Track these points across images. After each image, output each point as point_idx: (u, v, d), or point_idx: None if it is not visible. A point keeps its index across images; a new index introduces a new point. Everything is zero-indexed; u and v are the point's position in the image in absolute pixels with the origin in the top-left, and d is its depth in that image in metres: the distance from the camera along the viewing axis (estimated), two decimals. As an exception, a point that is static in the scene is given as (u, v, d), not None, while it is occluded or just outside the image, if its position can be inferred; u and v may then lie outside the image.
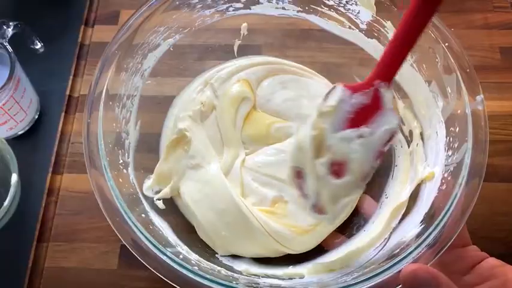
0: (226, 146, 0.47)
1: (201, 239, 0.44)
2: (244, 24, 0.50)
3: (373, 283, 0.33)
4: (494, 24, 0.59)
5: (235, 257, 0.43)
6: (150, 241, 0.34)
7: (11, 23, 0.51)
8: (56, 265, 0.47)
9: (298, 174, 0.35)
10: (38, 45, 0.55)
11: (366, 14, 0.46)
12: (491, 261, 0.36)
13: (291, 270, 0.40)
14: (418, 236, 0.35)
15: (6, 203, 0.46)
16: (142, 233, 0.35)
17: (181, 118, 0.47)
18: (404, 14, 0.32)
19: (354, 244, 0.41)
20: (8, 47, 0.50)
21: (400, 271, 0.33)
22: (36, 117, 0.55)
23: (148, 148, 0.47)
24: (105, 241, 0.48)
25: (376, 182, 0.47)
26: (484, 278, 0.35)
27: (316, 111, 0.34)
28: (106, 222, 0.36)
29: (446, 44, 0.41)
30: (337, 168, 0.34)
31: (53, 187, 0.51)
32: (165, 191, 0.44)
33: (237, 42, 0.51)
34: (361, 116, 0.34)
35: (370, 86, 0.34)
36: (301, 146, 0.34)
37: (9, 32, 0.51)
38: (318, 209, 0.36)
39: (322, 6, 0.47)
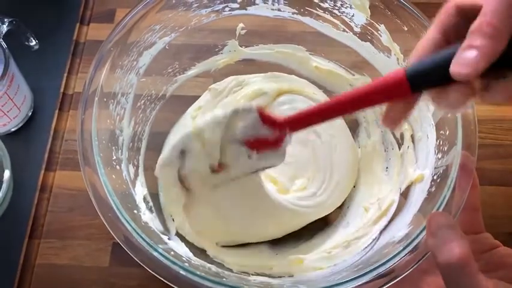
0: None
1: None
2: (240, 25, 0.50)
3: (360, 282, 0.33)
4: (486, 30, 0.60)
5: (224, 253, 0.43)
6: (141, 237, 0.34)
7: (5, 20, 0.51)
8: (48, 262, 0.47)
9: (182, 154, 0.38)
10: (33, 42, 0.55)
11: (360, 17, 0.46)
12: (504, 251, 0.36)
13: (280, 268, 0.40)
14: (407, 236, 0.36)
15: (-2, 198, 0.46)
16: (134, 229, 0.35)
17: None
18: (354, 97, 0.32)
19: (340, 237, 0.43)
20: (3, 43, 0.50)
21: (387, 272, 0.33)
22: (30, 114, 0.55)
23: (142, 145, 0.48)
24: (97, 238, 0.48)
25: (367, 183, 0.48)
26: (494, 266, 0.35)
27: (230, 119, 0.37)
28: (98, 220, 0.36)
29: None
30: (217, 166, 0.38)
31: (46, 184, 0.51)
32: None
33: (233, 43, 0.52)
34: (260, 143, 0.37)
35: (279, 129, 0.36)
36: (202, 137, 0.37)
37: (4, 28, 0.51)
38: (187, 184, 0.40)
39: (317, 8, 0.48)
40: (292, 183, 0.46)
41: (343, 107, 0.32)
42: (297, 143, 0.46)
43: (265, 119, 0.36)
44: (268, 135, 0.36)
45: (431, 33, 0.30)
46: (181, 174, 0.39)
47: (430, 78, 0.28)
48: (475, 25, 0.27)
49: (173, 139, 0.49)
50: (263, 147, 0.37)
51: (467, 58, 0.26)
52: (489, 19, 0.26)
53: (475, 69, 0.26)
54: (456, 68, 0.26)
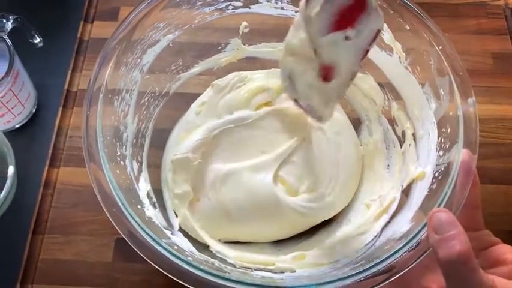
0: None
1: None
2: (244, 23, 0.50)
3: (362, 278, 0.33)
4: (487, 30, 0.61)
5: (226, 249, 0.44)
6: (146, 232, 0.35)
7: (10, 17, 0.51)
8: (51, 257, 0.48)
9: (291, 81, 0.36)
10: (37, 40, 0.56)
11: (362, 16, 0.46)
12: (503, 247, 0.36)
13: (282, 264, 0.41)
14: (408, 233, 0.36)
15: (2, 195, 0.46)
16: (138, 224, 0.35)
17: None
18: None
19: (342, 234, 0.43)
20: (8, 40, 0.50)
21: (388, 268, 0.34)
22: (34, 111, 0.56)
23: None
24: (100, 234, 0.48)
25: (369, 181, 0.48)
26: (493, 263, 0.35)
27: (302, 17, 0.33)
28: (101, 216, 0.36)
29: (440, 47, 0.42)
30: (326, 73, 0.34)
31: (50, 180, 0.52)
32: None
33: (236, 41, 0.52)
34: (346, 18, 0.32)
35: None
36: (292, 50, 0.34)
37: (9, 25, 0.51)
38: (313, 115, 0.38)
39: (319, 7, 0.48)
40: (301, 183, 0.45)
41: None
42: (301, 141, 0.46)
43: None
44: (348, 1, 0.32)
45: None
46: (301, 105, 0.37)
47: None
48: None
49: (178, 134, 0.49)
50: (353, 18, 0.32)
51: None
52: None
53: None
54: None
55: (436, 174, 0.39)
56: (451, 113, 0.40)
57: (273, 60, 0.52)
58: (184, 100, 0.51)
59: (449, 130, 0.40)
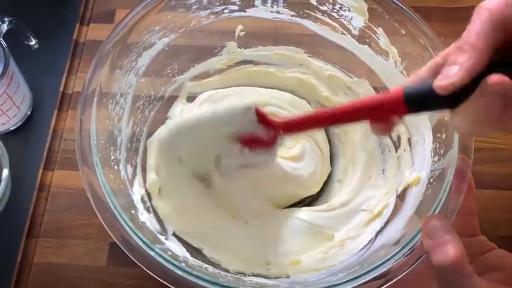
0: None
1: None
2: (239, 27, 0.50)
3: (356, 284, 0.33)
4: (483, 34, 0.60)
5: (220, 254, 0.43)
6: (139, 237, 0.35)
7: (6, 19, 0.51)
8: (45, 261, 0.47)
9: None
10: (33, 42, 0.55)
11: (358, 20, 0.46)
12: (499, 252, 0.36)
13: (276, 269, 0.41)
14: (403, 238, 0.36)
15: (-4, 197, 0.46)
16: (131, 229, 0.35)
17: None
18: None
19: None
20: (3, 42, 0.50)
21: (383, 273, 0.34)
22: (29, 113, 0.56)
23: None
24: (95, 238, 0.48)
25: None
26: (489, 268, 0.35)
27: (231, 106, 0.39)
28: (96, 219, 0.36)
29: (436, 52, 0.42)
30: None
31: (44, 183, 0.51)
32: None
33: (232, 45, 0.52)
34: (253, 140, 0.38)
35: (274, 130, 0.38)
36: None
37: (4, 27, 0.51)
38: None
39: (316, 11, 0.48)
40: None
41: (338, 118, 0.34)
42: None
43: (261, 119, 0.37)
44: (262, 134, 0.38)
45: (434, 59, 0.32)
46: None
47: (426, 101, 0.30)
48: (459, 43, 0.28)
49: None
50: (256, 146, 0.38)
51: (449, 72, 0.28)
52: (473, 39, 0.28)
53: (453, 83, 0.27)
54: (438, 82, 0.28)
55: (431, 180, 0.39)
56: (446, 118, 0.40)
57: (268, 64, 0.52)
58: (179, 103, 0.51)
59: (444, 135, 0.40)
